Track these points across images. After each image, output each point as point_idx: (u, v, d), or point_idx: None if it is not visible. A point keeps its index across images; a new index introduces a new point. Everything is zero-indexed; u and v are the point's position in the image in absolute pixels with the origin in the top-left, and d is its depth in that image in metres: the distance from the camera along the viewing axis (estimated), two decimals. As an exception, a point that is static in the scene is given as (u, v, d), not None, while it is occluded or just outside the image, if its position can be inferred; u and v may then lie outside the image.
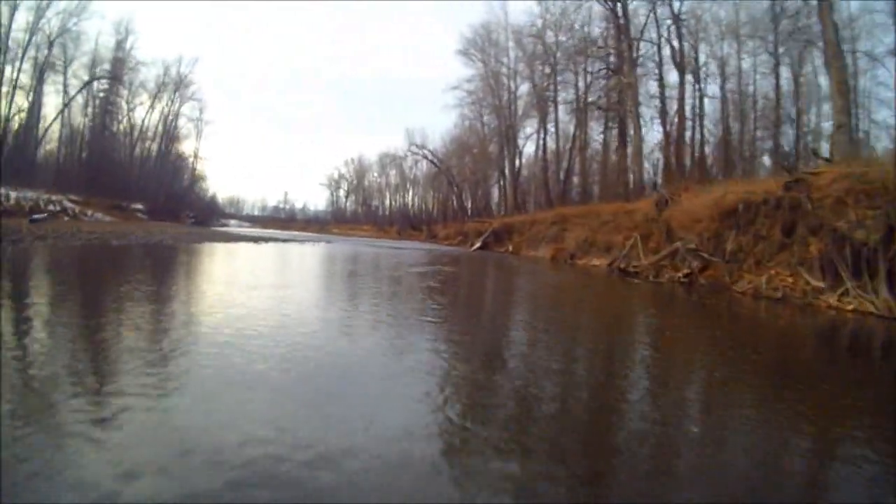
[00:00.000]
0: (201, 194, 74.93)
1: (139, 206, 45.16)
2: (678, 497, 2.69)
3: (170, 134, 59.66)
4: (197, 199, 66.80)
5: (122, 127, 54.54)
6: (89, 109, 49.43)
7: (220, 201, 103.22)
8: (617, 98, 31.16)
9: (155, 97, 56.63)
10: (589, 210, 25.89)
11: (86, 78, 48.19)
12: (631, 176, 29.84)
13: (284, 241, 32.66)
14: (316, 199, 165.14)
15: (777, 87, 29.01)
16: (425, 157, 68.08)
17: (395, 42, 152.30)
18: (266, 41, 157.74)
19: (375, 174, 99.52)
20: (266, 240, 31.35)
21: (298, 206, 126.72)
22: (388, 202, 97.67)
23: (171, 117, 58.55)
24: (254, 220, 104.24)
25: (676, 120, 32.23)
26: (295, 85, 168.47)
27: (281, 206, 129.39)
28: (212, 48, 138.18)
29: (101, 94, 51.47)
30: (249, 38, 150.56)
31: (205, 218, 58.87)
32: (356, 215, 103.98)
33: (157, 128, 57.65)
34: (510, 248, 32.35)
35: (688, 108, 32.28)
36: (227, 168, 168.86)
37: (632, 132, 29.70)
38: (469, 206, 61.58)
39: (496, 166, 54.25)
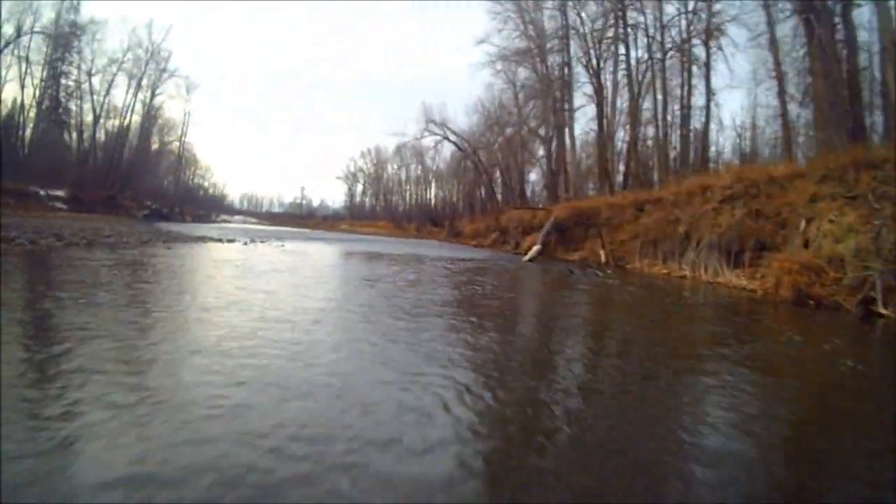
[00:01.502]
0: (189, 185, 60.09)
1: (58, 193, 30.16)
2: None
3: (149, 114, 44.51)
4: (166, 188, 50.66)
5: (80, 102, 39.55)
6: (30, 79, 34.85)
7: (230, 196, 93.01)
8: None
9: (120, 66, 41.14)
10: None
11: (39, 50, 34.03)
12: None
13: (254, 241, 17.79)
14: (335, 195, 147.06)
15: None
16: (446, 137, 51.72)
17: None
18: (245, 42, 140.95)
19: (395, 166, 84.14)
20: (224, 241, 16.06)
21: (316, 202, 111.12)
22: (407, 196, 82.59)
23: (146, 93, 43.46)
24: (271, 218, 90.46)
25: None
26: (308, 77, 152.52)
27: (298, 202, 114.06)
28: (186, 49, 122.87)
29: (53, 63, 36.71)
30: (228, 39, 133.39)
31: (174, 211, 42.89)
32: (374, 211, 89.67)
33: (127, 106, 42.62)
34: (603, 257, 16.15)
35: None
36: (243, 163, 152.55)
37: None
38: (499, 195, 46.36)
39: (539, 141, 38.38)
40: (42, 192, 28.42)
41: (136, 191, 36.55)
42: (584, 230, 18.91)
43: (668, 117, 27.35)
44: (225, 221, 59.98)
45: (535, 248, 16.90)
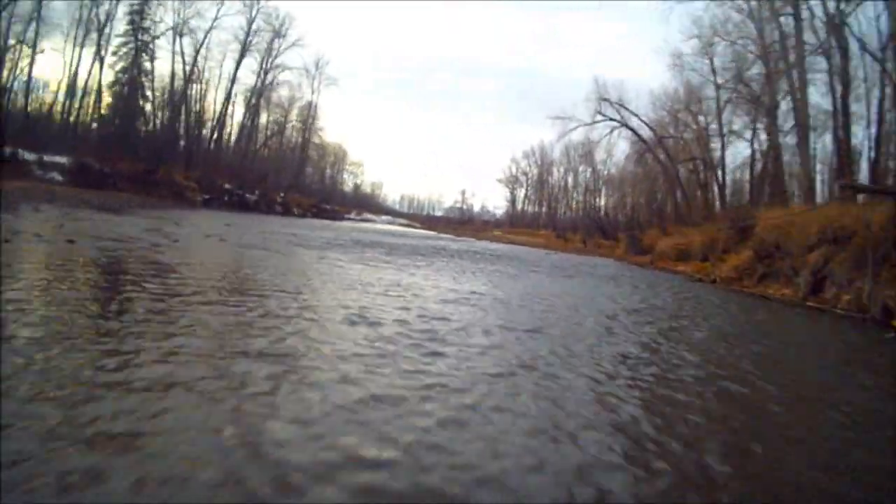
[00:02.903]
0: (333, 178, 53.35)
1: (57, 160, 22.54)
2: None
3: (261, 87, 37.88)
4: (283, 177, 41.75)
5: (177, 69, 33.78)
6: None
7: (390, 196, 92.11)
8: None
9: (213, 23, 34.48)
10: None
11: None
12: None
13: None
14: (498, 200, 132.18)
15: None
16: (624, 124, 36.79)
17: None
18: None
19: (561, 169, 72.13)
20: None
21: (477, 207, 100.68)
22: (574, 204, 69.83)
23: (261, 63, 36.90)
24: (426, 221, 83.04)
25: None
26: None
27: (458, 206, 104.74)
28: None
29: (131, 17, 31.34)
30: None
31: (268, 200, 33.56)
32: (536, 218, 77.12)
33: (231, 76, 36.35)
34: None
35: None
36: (403, 162, 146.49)
37: None
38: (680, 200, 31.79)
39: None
40: (30, 157, 20.97)
41: (210, 171, 28.61)
42: None
43: None
44: (364, 221, 51.97)
45: None
